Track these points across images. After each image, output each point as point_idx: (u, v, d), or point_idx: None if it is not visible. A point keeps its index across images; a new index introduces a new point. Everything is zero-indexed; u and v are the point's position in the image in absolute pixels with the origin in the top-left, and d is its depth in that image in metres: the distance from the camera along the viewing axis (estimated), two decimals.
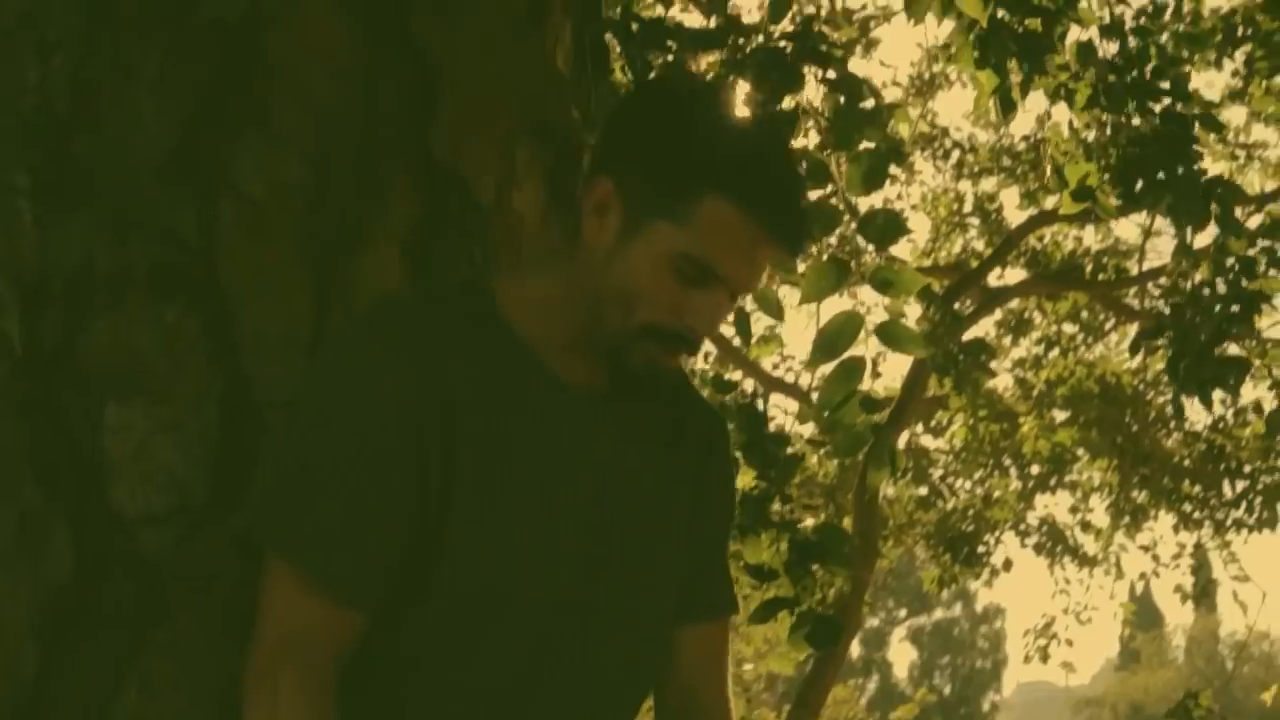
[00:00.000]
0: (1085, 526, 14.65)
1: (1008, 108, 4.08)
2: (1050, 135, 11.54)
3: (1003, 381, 13.79)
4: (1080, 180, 4.64)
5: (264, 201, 2.15)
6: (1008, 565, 14.79)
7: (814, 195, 2.86)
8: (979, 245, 12.68)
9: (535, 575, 1.87)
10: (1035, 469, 13.74)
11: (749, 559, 3.04)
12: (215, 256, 2.11)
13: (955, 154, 12.51)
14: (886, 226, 2.75)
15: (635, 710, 2.04)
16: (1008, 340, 13.84)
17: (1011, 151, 12.19)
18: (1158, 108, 4.70)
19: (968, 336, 12.88)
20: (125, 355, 2.02)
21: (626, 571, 1.96)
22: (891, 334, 2.74)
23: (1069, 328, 13.66)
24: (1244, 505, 13.09)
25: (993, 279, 11.98)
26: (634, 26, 2.70)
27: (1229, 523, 13.14)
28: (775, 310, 2.80)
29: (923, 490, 14.45)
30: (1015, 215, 12.08)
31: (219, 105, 2.16)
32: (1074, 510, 14.65)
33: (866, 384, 2.75)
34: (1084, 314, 13.40)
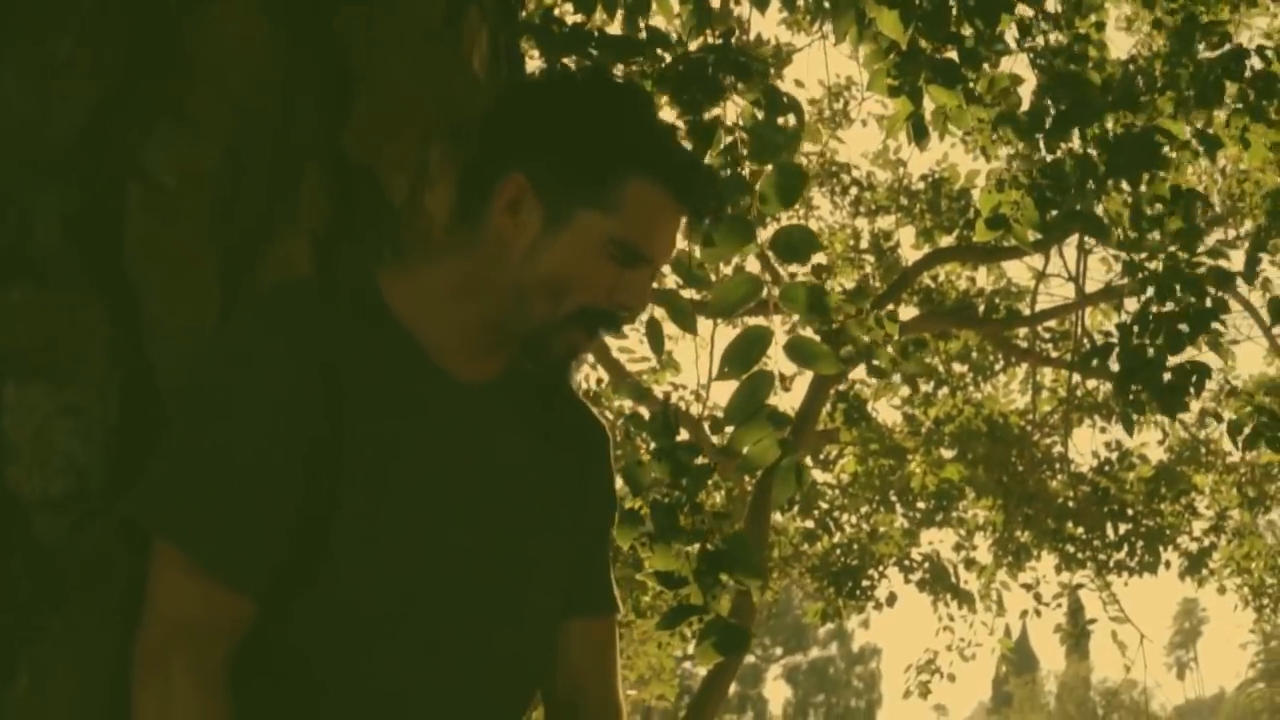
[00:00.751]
0: (969, 564, 14.81)
1: (920, 134, 4.11)
2: (948, 175, 11.72)
3: (892, 418, 13.94)
4: (993, 208, 4.69)
5: (175, 189, 2.13)
6: (891, 600, 14.90)
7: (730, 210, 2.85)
8: (874, 281, 12.79)
9: (422, 564, 1.87)
10: (921, 505, 13.88)
11: (659, 566, 3.03)
12: (122, 242, 2.08)
13: (853, 190, 12.61)
14: (799, 243, 2.76)
15: (527, 703, 2.04)
16: (898, 377, 13.94)
17: (909, 190, 12.32)
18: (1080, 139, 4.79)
19: (858, 373, 13.03)
20: (27, 336, 1.99)
21: (513, 562, 1.96)
22: (802, 350, 2.74)
23: (958, 367, 13.82)
24: (1126, 548, 13.29)
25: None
26: (555, 31, 2.69)
27: (1111, 565, 13.33)
28: (688, 322, 2.79)
29: (809, 523, 14.53)
30: (911, 254, 12.19)
31: (132, 92, 2.13)
32: (959, 548, 14.81)
33: (774, 400, 2.75)
34: (974, 354, 13.57)
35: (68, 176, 2.06)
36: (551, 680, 2.09)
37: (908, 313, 12.59)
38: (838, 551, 14.47)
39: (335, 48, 2.34)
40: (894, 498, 14.22)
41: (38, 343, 1.99)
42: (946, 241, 11.53)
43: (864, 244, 12.75)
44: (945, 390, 13.75)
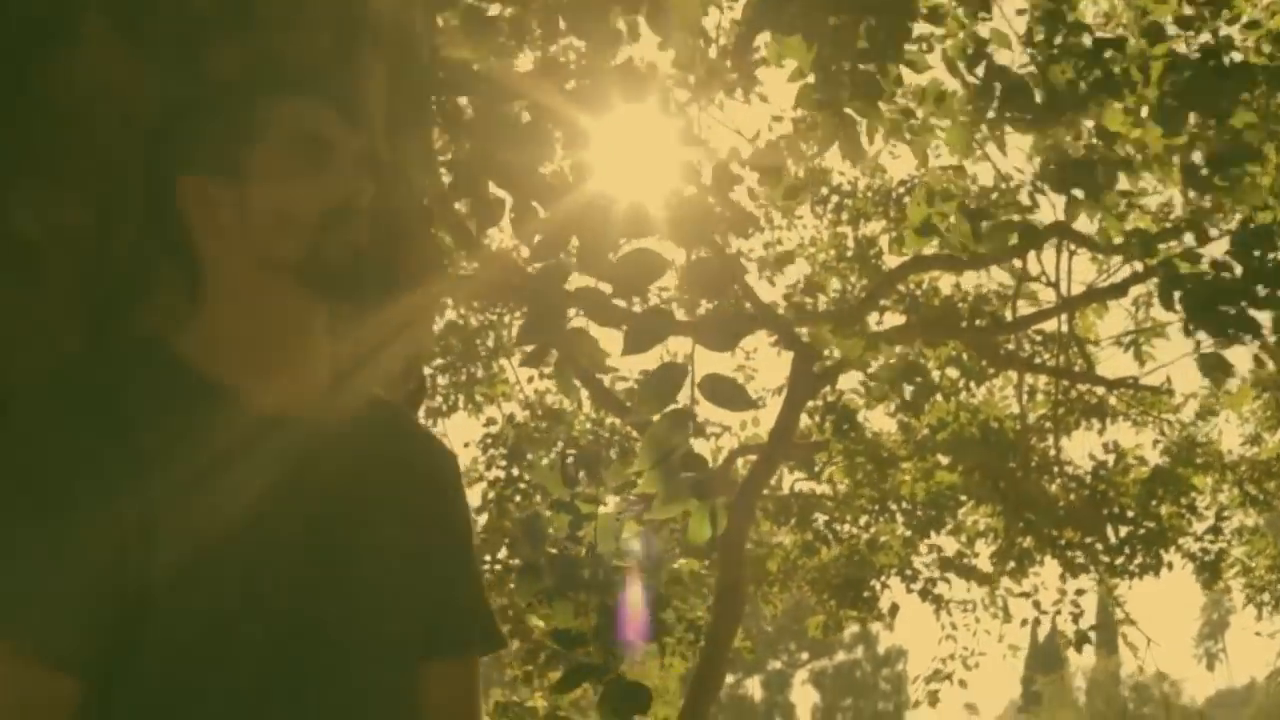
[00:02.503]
0: (969, 572, 14.72)
1: (856, 153, 4.02)
2: (928, 179, 11.62)
3: (886, 426, 13.84)
4: (923, 220, 4.62)
5: (39, 245, 2.04)
6: (894, 611, 14.81)
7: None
8: (858, 290, 12.71)
9: (249, 614, 1.80)
10: (919, 513, 13.78)
11: (560, 624, 2.92)
12: None
13: (834, 199, 12.52)
14: (714, 276, 2.66)
15: None
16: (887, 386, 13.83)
17: (889, 195, 12.23)
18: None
19: (846, 380, 12.94)
20: None
21: (353, 599, 1.89)
22: (716, 389, 2.63)
23: (951, 372, 13.70)
24: (1126, 551, 13.19)
25: (872, 323, 11.99)
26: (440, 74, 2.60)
27: (1115, 567, 13.23)
28: (597, 362, 2.69)
29: (807, 536, 14.42)
30: (895, 261, 12.09)
31: None
32: (959, 555, 14.71)
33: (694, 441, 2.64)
34: (965, 358, 13.46)
35: None
36: None
37: (891, 320, 12.52)
38: (836, 563, 14.37)
39: (210, 88, 2.24)
40: (893, 506, 14.12)
41: None
42: (930, 248, 11.43)
43: (849, 251, 12.64)
44: (939, 396, 13.63)
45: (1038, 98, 4.45)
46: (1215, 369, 6.04)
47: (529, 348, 2.68)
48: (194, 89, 2.10)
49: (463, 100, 2.67)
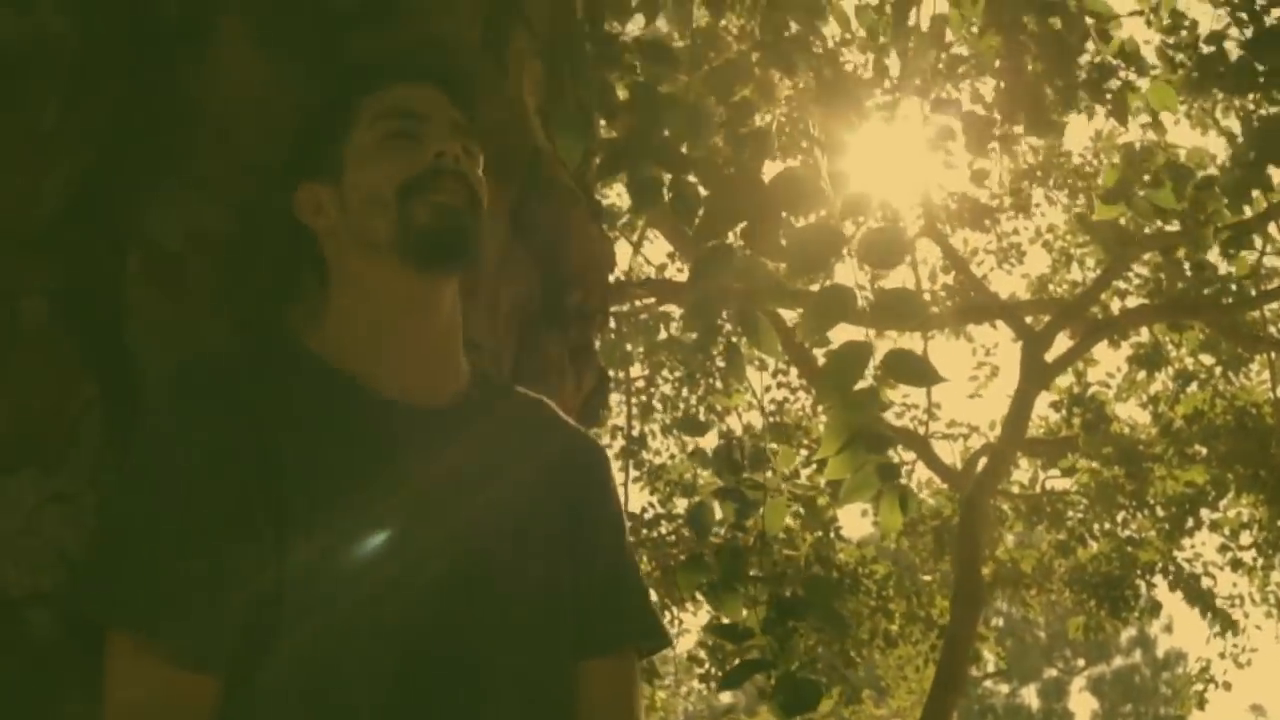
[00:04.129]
0: (1236, 564, 14.12)
1: (1043, 125, 3.82)
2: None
3: (1139, 417, 13.38)
4: (1117, 182, 4.37)
5: (181, 253, 2.02)
6: (1155, 610, 14.31)
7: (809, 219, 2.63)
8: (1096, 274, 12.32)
9: (386, 611, 1.75)
10: (1174, 509, 13.28)
11: (728, 616, 2.81)
12: (119, 315, 1.98)
13: (1072, 181, 12.16)
14: (887, 247, 2.52)
15: None
16: (1141, 375, 13.38)
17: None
18: None
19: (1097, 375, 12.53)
20: (12, 422, 1.91)
21: (498, 590, 1.85)
22: (902, 367, 2.50)
23: (1206, 359, 13.18)
24: None
25: (1115, 308, 11.63)
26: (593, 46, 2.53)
27: None
28: (772, 348, 2.57)
29: (1060, 535, 14.00)
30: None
31: (128, 153, 2.04)
32: (1224, 549, 14.14)
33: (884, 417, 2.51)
34: (1222, 344, 12.92)
35: (55, 249, 1.97)
36: None
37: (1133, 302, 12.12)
38: (1097, 561, 13.93)
39: None
40: (1151, 500, 13.64)
41: (24, 428, 1.90)
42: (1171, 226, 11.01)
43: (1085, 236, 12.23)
44: (1195, 386, 13.14)
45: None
46: None
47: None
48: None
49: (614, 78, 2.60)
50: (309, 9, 2.24)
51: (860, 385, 2.50)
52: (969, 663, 8.33)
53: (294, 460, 1.77)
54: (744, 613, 2.74)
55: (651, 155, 2.50)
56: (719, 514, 2.80)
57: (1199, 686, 15.09)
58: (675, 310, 9.90)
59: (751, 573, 2.69)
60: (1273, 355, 12.48)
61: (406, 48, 2.14)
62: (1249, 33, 4.63)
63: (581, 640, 1.95)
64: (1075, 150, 12.52)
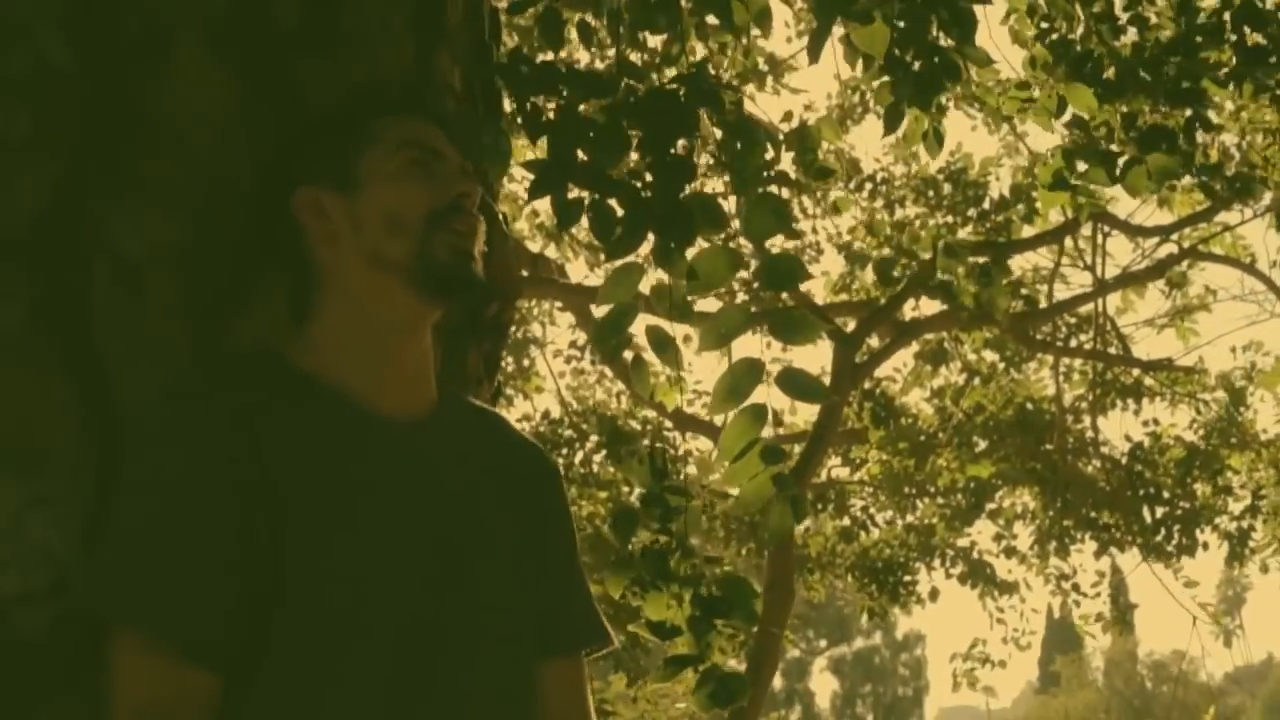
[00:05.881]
0: (1010, 552, 14.69)
1: (936, 145, 4.05)
2: (964, 164, 11.63)
3: (923, 410, 13.83)
4: (1055, 173, 4.62)
5: (142, 262, 2.09)
6: (934, 595, 14.82)
7: (712, 240, 2.80)
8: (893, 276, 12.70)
9: (382, 610, 1.86)
10: (959, 499, 13.78)
11: (651, 615, 2.98)
12: (91, 320, 2.04)
13: (868, 186, 12.53)
14: (786, 271, 2.71)
15: None
16: (928, 369, 13.86)
17: (927, 180, 12.23)
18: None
19: (884, 370, 12.94)
20: None
21: (477, 593, 1.96)
22: (792, 382, 2.68)
23: (989, 355, 13.71)
24: (1163, 532, 13.17)
25: (908, 309, 12.03)
26: (523, 70, 2.65)
27: (1152, 547, 13.22)
28: (674, 360, 2.74)
29: (845, 522, 14.43)
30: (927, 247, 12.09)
31: (94, 164, 2.10)
32: (999, 538, 14.71)
33: (769, 432, 2.69)
34: (1007, 343, 13.45)
35: (33, 257, 2.02)
36: None
37: (929, 306, 12.53)
38: (875, 550, 14.39)
39: (299, 100, 2.28)
40: (931, 489, 14.13)
41: (5, 433, 1.95)
42: (964, 233, 11.45)
43: (884, 238, 12.63)
44: (977, 380, 13.65)
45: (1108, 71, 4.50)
46: None
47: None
48: (299, 110, 2.19)
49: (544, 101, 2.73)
50: (256, 27, 2.31)
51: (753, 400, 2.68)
52: (780, 651, 8.59)
53: (289, 471, 1.86)
54: (670, 610, 2.92)
55: (574, 177, 2.65)
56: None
57: (969, 665, 15.62)
58: None
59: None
60: (1057, 359, 13.05)
61: (397, 73, 2.25)
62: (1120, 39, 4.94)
63: (541, 642, 2.07)
64: (870, 154, 12.87)
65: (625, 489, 11.81)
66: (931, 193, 12.27)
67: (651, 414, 13.16)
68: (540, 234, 11.76)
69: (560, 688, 2.11)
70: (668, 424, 13.29)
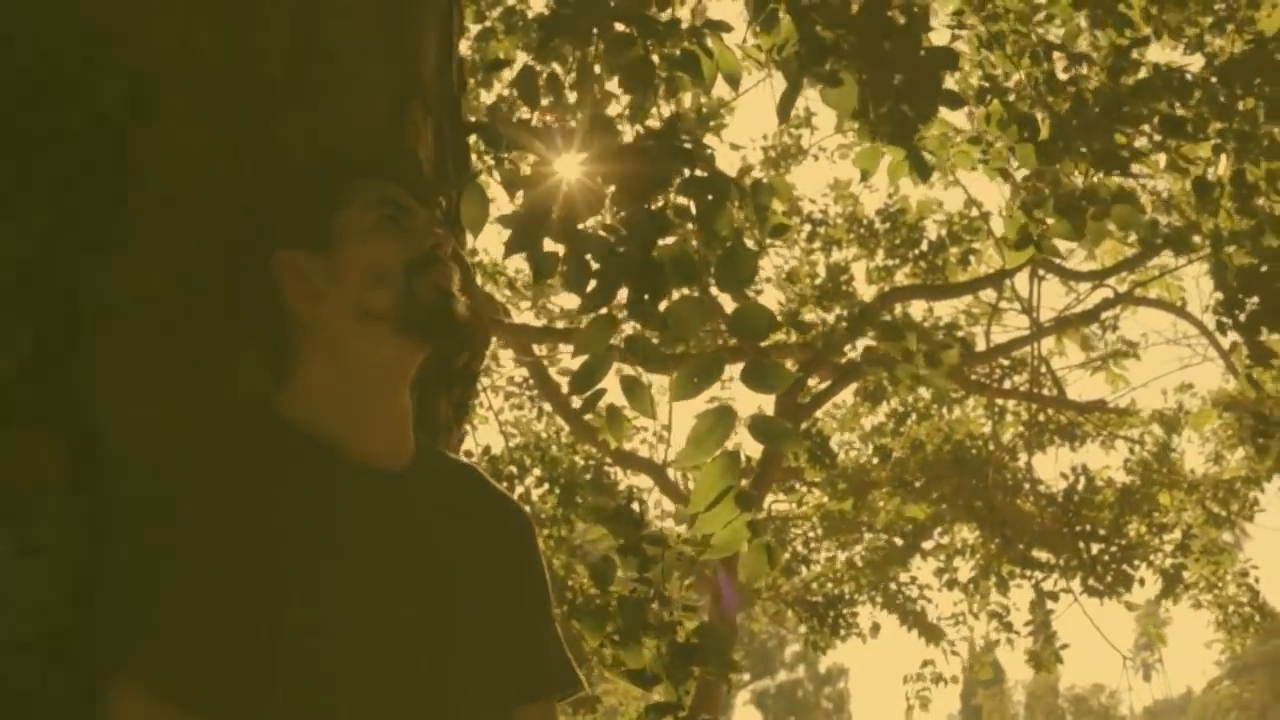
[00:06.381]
0: (952, 584, 14.81)
1: (923, 173, 4.11)
2: (902, 208, 11.75)
3: (857, 451, 13.95)
4: (1020, 230, 4.70)
5: (127, 312, 2.12)
6: (875, 630, 14.92)
7: (683, 293, 2.85)
8: (830, 319, 12.81)
9: (373, 657, 1.91)
10: (898, 539, 13.90)
11: (630, 664, 3.01)
12: (76, 370, 2.07)
13: (807, 227, 12.64)
14: (757, 322, 2.76)
15: None
16: (864, 408, 13.98)
17: (865, 223, 12.35)
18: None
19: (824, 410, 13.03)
20: None
21: (460, 640, 2.02)
22: (765, 430, 2.73)
23: (925, 392, 13.83)
24: (1098, 569, 13.31)
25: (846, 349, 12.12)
26: (499, 132, 2.70)
27: (1081, 589, 13.36)
28: (648, 409, 2.79)
29: (785, 556, 14.49)
30: (867, 288, 12.23)
31: (78, 215, 2.13)
32: (940, 572, 14.82)
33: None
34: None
35: (20, 308, 2.05)
36: None
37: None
38: (820, 582, 14.49)
39: (277, 155, 2.32)
40: (865, 528, 14.24)
41: None
42: (902, 275, 11.59)
43: (819, 280, 12.75)
44: (914, 418, 13.78)
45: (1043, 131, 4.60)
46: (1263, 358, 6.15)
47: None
48: (274, 171, 2.24)
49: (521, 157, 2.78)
50: (239, 79, 2.34)
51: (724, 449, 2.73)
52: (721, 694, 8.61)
53: (282, 522, 1.91)
54: (646, 660, 2.95)
55: (549, 232, 2.70)
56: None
57: (920, 685, 15.76)
58: None
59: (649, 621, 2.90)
60: (992, 398, 13.19)
61: (370, 131, 2.34)
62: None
63: (515, 689, 2.14)
64: (809, 196, 13.01)
65: (568, 529, 11.84)
66: (862, 232, 12.39)
67: (593, 450, 13.20)
68: (480, 273, 11.81)
69: None
70: (608, 460, 13.33)
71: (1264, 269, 5.95)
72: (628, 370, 2.88)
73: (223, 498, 1.89)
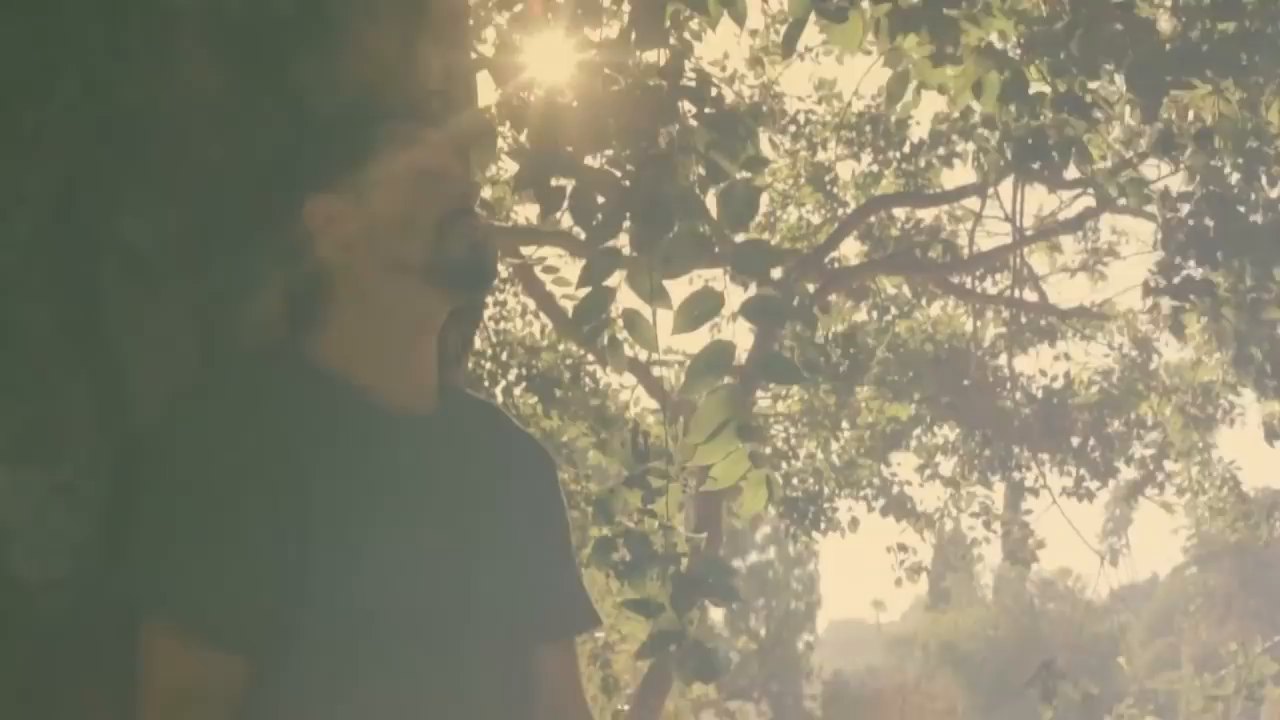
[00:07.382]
0: (934, 478, 14.94)
1: (897, 96, 4.14)
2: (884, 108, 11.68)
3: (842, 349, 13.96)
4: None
5: (152, 254, 2.14)
6: (854, 525, 15.05)
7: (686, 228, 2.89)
8: (814, 219, 12.79)
9: (405, 602, 1.96)
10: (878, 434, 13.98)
11: (633, 594, 3.07)
12: (103, 313, 2.09)
13: (792, 127, 12.56)
14: (756, 258, 2.81)
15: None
16: (848, 305, 13.98)
17: (849, 123, 12.28)
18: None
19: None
20: (18, 416, 2.00)
21: (487, 581, 2.06)
22: (770, 367, 2.78)
23: (906, 291, 13.87)
24: (1077, 464, 13.43)
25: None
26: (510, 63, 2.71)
27: (1060, 491, 13.49)
28: (650, 341, 2.83)
29: (766, 451, 14.57)
30: (851, 189, 12.13)
31: (100, 158, 2.14)
32: (921, 469, 14.95)
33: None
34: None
35: (46, 253, 2.07)
36: (530, 707, 2.16)
37: (849, 246, 12.66)
38: (802, 478, 14.58)
39: (294, 96, 2.32)
40: (847, 427, 14.32)
41: (29, 423, 2.00)
42: (888, 178, 11.57)
43: (803, 178, 12.69)
44: (892, 313, 13.80)
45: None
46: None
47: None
48: (294, 112, 2.25)
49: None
50: (251, 14, 2.34)
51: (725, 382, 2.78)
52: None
53: (315, 470, 1.94)
54: (651, 590, 3.01)
55: (558, 168, 2.73)
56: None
57: (903, 556, 15.97)
58: None
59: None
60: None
61: (414, 93, 2.30)
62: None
63: (538, 627, 2.18)
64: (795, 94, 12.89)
65: (548, 423, 11.87)
66: (846, 133, 12.33)
67: (574, 348, 13.20)
68: None
69: (555, 670, 2.22)
70: (589, 359, 13.33)
71: None
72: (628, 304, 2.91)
73: (253, 438, 1.93)
